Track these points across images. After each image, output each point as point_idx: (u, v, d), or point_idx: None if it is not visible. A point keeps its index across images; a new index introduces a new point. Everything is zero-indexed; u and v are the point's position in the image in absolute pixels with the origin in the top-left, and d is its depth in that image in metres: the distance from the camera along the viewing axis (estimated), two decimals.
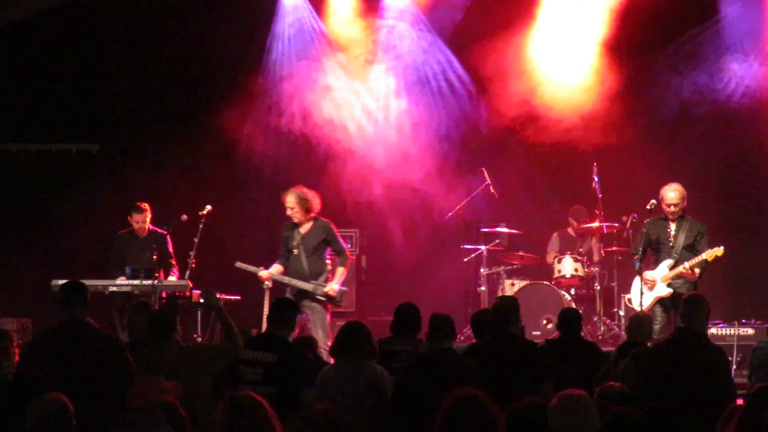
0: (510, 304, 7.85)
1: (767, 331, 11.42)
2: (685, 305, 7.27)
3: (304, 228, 10.76)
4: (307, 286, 10.63)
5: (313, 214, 10.76)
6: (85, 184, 13.52)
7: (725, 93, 13.02)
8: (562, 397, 4.96)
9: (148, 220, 11.44)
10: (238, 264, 10.89)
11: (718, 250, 10.50)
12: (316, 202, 10.80)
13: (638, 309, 10.57)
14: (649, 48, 13.23)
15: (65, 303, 6.97)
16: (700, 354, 7.04)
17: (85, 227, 13.09)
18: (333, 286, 10.66)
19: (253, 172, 13.44)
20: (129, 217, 11.47)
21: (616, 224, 12.31)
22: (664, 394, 6.82)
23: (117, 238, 11.55)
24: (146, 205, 11.50)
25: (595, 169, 12.25)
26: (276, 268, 10.80)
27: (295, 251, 10.71)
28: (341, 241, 10.91)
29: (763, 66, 13.02)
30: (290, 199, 10.72)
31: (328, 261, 10.88)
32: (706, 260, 10.54)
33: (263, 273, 10.75)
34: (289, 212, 10.73)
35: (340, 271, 10.77)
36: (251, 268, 10.83)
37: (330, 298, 10.65)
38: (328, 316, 10.70)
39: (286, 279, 10.72)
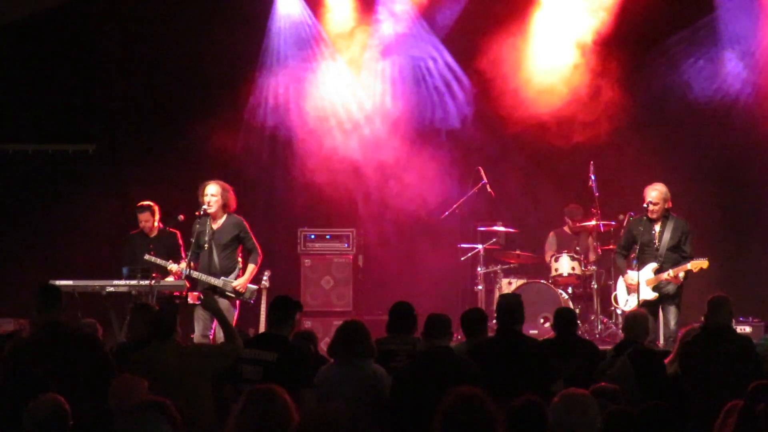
0: (514, 302, 7.80)
1: (765, 328, 11.45)
2: (710, 305, 7.64)
3: (217, 223, 10.75)
4: (216, 281, 10.63)
5: (228, 210, 10.79)
6: (82, 184, 13.49)
7: (722, 91, 13.05)
8: (564, 396, 4.96)
9: (154, 218, 11.32)
10: (147, 257, 10.79)
11: (703, 262, 10.53)
12: (233, 200, 10.86)
13: (623, 307, 10.90)
14: (645, 45, 13.25)
15: (41, 306, 6.96)
16: (729, 345, 7.44)
17: (82, 227, 13.07)
18: (241, 282, 10.68)
19: (248, 172, 13.43)
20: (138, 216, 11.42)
21: (613, 222, 12.33)
22: (701, 387, 7.24)
23: (128, 239, 11.43)
24: (150, 203, 11.37)
25: (591, 168, 12.25)
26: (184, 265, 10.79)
27: (206, 246, 10.70)
28: (254, 238, 10.86)
29: (757, 64, 13.05)
30: (214, 188, 10.71)
31: (240, 259, 10.86)
32: (690, 270, 10.60)
33: (173, 267, 10.75)
34: (207, 199, 10.65)
35: (251, 268, 10.77)
36: (161, 262, 10.77)
37: (238, 294, 10.66)
38: (236, 313, 10.71)
39: (196, 274, 10.67)
